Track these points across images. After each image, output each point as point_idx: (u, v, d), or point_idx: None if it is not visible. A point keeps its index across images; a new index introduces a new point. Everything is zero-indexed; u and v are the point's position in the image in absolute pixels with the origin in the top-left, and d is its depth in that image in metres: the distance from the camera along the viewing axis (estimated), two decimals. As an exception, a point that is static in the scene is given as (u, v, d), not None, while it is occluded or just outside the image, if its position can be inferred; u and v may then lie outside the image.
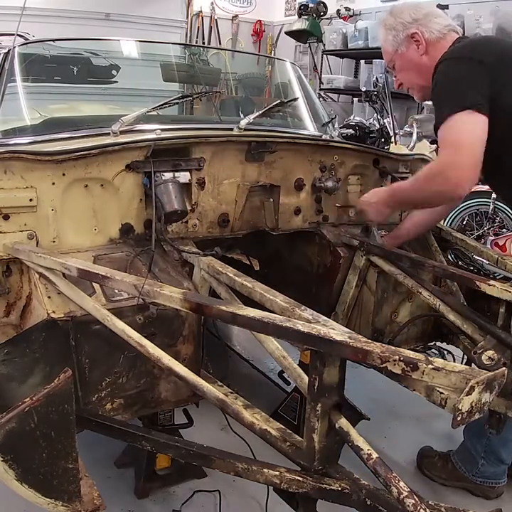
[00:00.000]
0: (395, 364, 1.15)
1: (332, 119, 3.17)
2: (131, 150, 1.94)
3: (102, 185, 1.92)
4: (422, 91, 2.11)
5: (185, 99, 2.51)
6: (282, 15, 9.39)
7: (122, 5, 7.87)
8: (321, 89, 7.78)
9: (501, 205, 4.65)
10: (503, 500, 2.30)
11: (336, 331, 1.29)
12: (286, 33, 8.29)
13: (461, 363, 2.16)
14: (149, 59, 3.28)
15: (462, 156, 1.79)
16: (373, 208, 2.23)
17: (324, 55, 7.93)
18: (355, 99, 7.51)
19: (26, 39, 2.84)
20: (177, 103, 2.44)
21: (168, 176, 1.98)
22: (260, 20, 9.36)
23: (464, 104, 1.80)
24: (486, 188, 4.74)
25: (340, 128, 5.66)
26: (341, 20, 7.82)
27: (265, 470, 1.40)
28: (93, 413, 1.67)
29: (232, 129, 2.29)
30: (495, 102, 1.82)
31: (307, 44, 8.18)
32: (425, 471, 2.44)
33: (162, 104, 2.28)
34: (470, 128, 1.79)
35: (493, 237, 4.67)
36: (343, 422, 1.34)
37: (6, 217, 1.76)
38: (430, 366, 1.11)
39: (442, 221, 2.79)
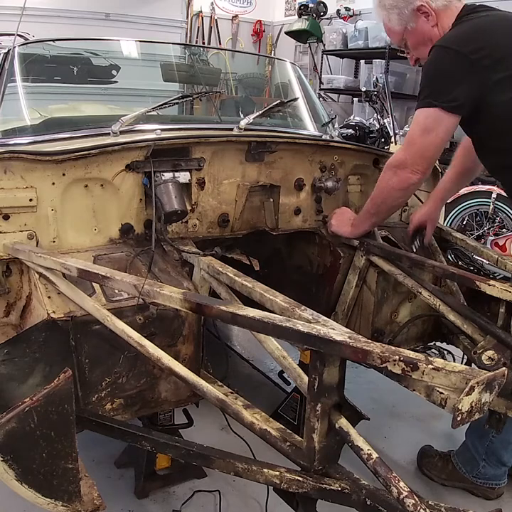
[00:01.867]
0: (395, 364, 1.15)
1: (332, 119, 3.17)
2: (131, 150, 1.94)
3: (102, 185, 1.92)
4: None
5: (185, 99, 2.51)
6: (282, 15, 9.38)
7: (122, 5, 7.87)
8: (321, 89, 7.78)
9: (501, 205, 4.65)
10: (503, 501, 2.30)
11: (336, 331, 1.29)
12: (286, 33, 8.28)
13: (461, 363, 2.16)
14: (149, 59, 3.28)
15: (411, 155, 1.90)
16: (346, 225, 2.31)
17: (324, 55, 7.93)
18: (355, 99, 7.50)
19: (26, 39, 2.84)
20: (177, 103, 2.44)
21: (168, 176, 1.98)
22: (260, 20, 9.36)
23: (435, 101, 1.82)
24: (486, 188, 4.75)
25: (340, 128, 5.67)
26: (341, 20, 7.81)
27: (265, 470, 1.40)
28: (93, 413, 1.67)
29: (232, 129, 2.29)
30: (486, 98, 1.82)
31: (307, 44, 8.17)
32: (425, 471, 2.44)
33: (162, 104, 2.28)
34: (430, 128, 1.84)
35: (493, 237, 4.67)
36: (343, 422, 1.34)
37: (6, 217, 1.76)
38: (430, 366, 1.11)
39: (442, 221, 2.79)
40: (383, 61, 6.77)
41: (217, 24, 9.02)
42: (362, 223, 2.24)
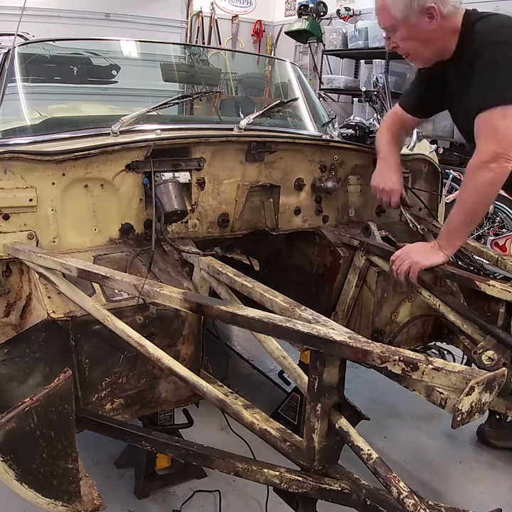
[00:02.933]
0: (395, 364, 1.15)
1: (332, 119, 3.16)
2: (131, 150, 1.94)
3: (102, 185, 1.92)
4: (424, 60, 2.12)
5: (185, 99, 2.51)
6: (282, 15, 9.38)
7: (122, 5, 7.86)
8: (321, 89, 7.77)
9: (501, 205, 4.65)
10: (503, 500, 2.30)
11: (335, 331, 1.29)
12: (286, 33, 8.27)
13: (461, 363, 2.16)
14: (149, 59, 3.28)
15: (500, 145, 1.86)
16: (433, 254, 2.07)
17: (324, 55, 7.92)
18: (355, 99, 7.50)
19: (26, 39, 2.84)
20: (177, 103, 2.44)
21: (168, 176, 1.98)
22: (260, 20, 9.35)
23: None
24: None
25: (340, 128, 5.66)
26: (341, 20, 7.81)
27: (265, 470, 1.41)
28: (93, 413, 1.67)
29: (232, 129, 2.29)
30: None
31: (307, 44, 8.17)
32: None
33: (162, 104, 2.28)
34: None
35: (493, 237, 4.67)
36: (343, 422, 1.34)
37: (6, 217, 1.76)
38: (430, 366, 1.11)
39: (442, 221, 2.78)
40: (383, 61, 6.76)
41: (217, 24, 9.01)
42: (456, 239, 2.06)
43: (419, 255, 2.06)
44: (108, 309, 1.61)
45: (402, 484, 1.19)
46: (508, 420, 2.39)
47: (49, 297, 1.67)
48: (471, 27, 1.99)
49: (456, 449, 2.59)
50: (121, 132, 2.13)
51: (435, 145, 4.74)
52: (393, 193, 2.27)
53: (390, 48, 2.12)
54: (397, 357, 1.15)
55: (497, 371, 1.12)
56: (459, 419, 1.09)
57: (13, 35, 2.48)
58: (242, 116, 2.58)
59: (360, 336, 1.26)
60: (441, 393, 1.12)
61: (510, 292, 1.92)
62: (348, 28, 7.39)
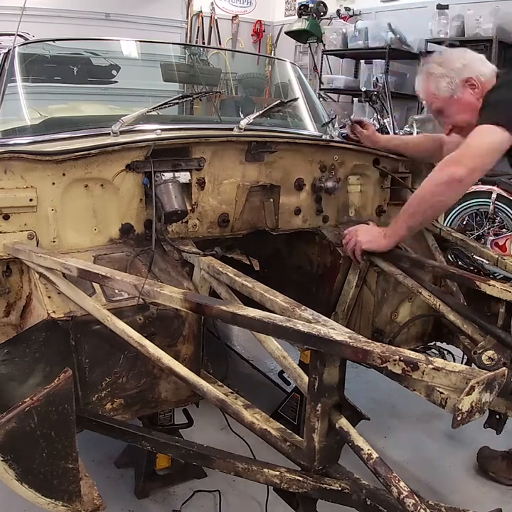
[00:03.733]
0: (395, 364, 1.15)
1: (332, 119, 3.16)
2: (132, 150, 1.94)
3: (102, 185, 1.92)
4: (455, 125, 2.18)
5: (185, 99, 2.51)
6: (282, 15, 9.39)
7: (122, 5, 7.87)
8: (321, 89, 7.77)
9: (501, 205, 4.65)
10: (503, 500, 2.30)
11: (336, 331, 1.29)
12: (286, 33, 8.28)
13: (461, 363, 2.16)
14: (149, 59, 3.28)
15: (468, 158, 1.92)
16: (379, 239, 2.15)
17: (324, 55, 7.93)
18: (355, 99, 7.50)
19: (26, 39, 2.84)
20: (177, 103, 2.44)
21: (168, 176, 1.98)
22: (260, 20, 9.36)
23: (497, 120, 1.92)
24: (486, 188, 4.75)
25: (340, 128, 5.68)
26: (341, 20, 7.81)
27: (265, 470, 1.40)
28: (93, 413, 1.67)
29: (232, 129, 2.29)
30: None
31: (307, 44, 8.17)
32: (493, 475, 2.39)
33: (162, 104, 2.28)
34: (488, 139, 1.92)
35: (493, 237, 4.67)
36: (343, 422, 1.34)
37: (6, 217, 1.76)
38: (430, 366, 1.11)
39: (442, 221, 2.79)
40: (383, 61, 6.77)
41: (217, 24, 9.02)
42: (397, 229, 2.11)
43: (365, 237, 2.18)
44: (108, 309, 1.61)
45: (402, 484, 1.19)
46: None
47: (49, 297, 1.67)
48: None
49: (456, 449, 2.60)
50: (122, 132, 2.13)
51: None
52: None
53: (447, 131, 2.21)
54: (397, 357, 1.15)
55: (497, 371, 1.12)
56: (459, 418, 1.09)
57: (13, 35, 2.48)
58: (242, 116, 2.58)
59: (361, 336, 1.26)
60: (441, 393, 1.12)
61: (510, 292, 1.92)
62: (348, 28, 7.39)
